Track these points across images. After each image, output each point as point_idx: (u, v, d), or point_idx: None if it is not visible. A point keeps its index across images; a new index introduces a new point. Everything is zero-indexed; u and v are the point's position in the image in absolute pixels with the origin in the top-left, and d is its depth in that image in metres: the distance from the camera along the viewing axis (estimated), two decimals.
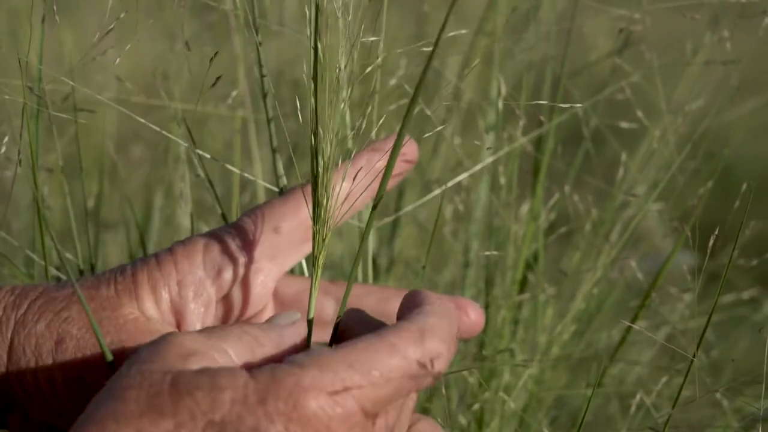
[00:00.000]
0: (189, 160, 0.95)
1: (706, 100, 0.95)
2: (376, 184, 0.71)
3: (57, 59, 1.41)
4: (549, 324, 0.93)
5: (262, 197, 0.97)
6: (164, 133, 0.76)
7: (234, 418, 0.57)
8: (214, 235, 0.71)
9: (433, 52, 0.62)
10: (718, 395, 0.92)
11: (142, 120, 0.75)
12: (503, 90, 0.89)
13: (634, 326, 0.81)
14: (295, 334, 0.64)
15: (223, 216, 0.84)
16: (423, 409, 0.93)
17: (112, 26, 0.71)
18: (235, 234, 0.71)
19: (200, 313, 0.69)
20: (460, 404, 0.91)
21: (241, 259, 0.70)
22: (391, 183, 0.72)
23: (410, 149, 0.74)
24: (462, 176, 0.86)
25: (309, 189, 0.70)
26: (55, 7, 0.75)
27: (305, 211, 0.71)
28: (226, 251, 0.70)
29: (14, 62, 1.36)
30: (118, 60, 0.77)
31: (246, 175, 0.82)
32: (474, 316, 0.71)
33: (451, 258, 1.02)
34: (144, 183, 1.28)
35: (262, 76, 0.78)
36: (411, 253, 1.04)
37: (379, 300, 0.73)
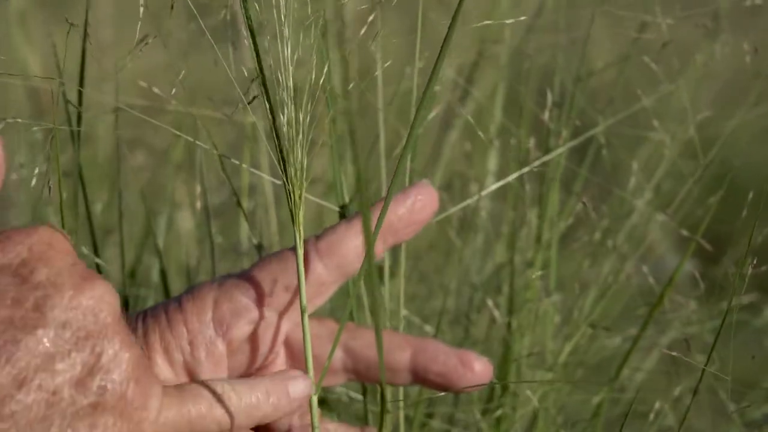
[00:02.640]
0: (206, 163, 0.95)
1: (712, 107, 0.96)
2: (390, 238, 0.71)
3: (54, 63, 1.41)
4: (557, 331, 0.93)
5: (270, 199, 0.97)
6: (184, 136, 0.75)
7: None
8: (222, 290, 0.70)
9: (437, 64, 0.62)
10: (722, 399, 0.93)
11: (158, 123, 0.75)
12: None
13: (644, 332, 0.81)
14: None
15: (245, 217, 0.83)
16: (449, 416, 0.93)
17: (147, 40, 0.71)
18: (245, 289, 0.70)
19: (212, 370, 0.69)
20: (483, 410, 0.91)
21: (252, 315, 0.70)
22: (407, 234, 0.72)
23: (428, 196, 0.72)
24: (503, 180, 0.86)
25: (322, 242, 0.70)
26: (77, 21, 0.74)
27: (319, 268, 0.70)
28: (237, 308, 0.70)
29: (13, 64, 1.36)
30: (128, 59, 0.77)
31: (256, 171, 0.82)
32: (479, 368, 0.71)
33: (460, 264, 1.02)
34: (146, 189, 1.28)
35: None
36: (418, 258, 1.04)
37: (387, 349, 0.72)
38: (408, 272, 1.02)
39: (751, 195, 0.84)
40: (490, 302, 0.94)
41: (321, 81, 0.65)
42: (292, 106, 0.64)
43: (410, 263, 1.03)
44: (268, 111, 0.65)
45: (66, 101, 0.78)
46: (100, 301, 0.59)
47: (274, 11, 0.66)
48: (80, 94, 0.79)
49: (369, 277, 0.55)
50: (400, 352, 0.71)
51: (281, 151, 0.65)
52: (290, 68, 0.64)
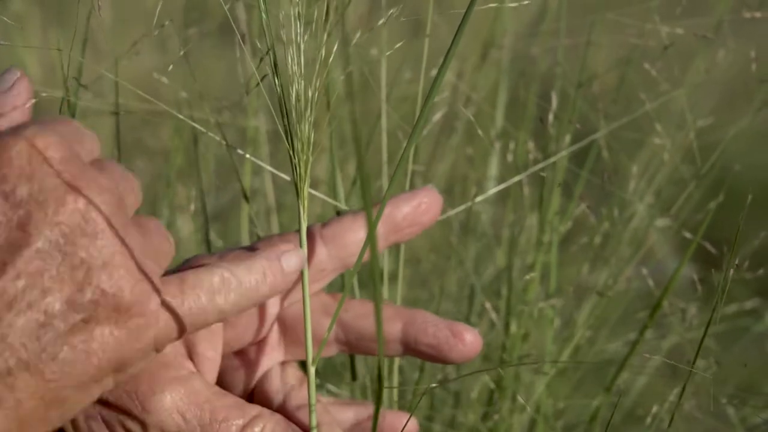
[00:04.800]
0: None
1: (712, 112, 0.96)
2: (392, 236, 0.71)
3: (52, 66, 1.41)
4: (557, 334, 0.93)
5: (272, 204, 0.97)
6: (200, 128, 0.75)
7: None
8: (224, 262, 0.70)
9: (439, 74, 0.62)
10: (723, 406, 0.93)
11: (181, 116, 0.75)
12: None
13: (642, 338, 0.81)
14: (16, 97, 0.62)
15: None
16: (450, 419, 0.93)
17: (146, 43, 0.71)
18: None
19: (208, 340, 0.69)
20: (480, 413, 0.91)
21: None
22: (409, 234, 0.72)
23: (433, 200, 0.73)
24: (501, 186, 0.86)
25: (327, 229, 0.71)
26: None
27: (322, 254, 0.71)
28: None
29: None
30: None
31: (263, 164, 0.82)
32: (470, 339, 0.71)
33: (459, 266, 1.02)
34: (145, 193, 1.28)
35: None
36: (418, 262, 1.04)
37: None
38: (408, 275, 1.03)
39: (749, 199, 0.84)
40: (489, 306, 0.94)
41: (330, 59, 0.65)
42: (302, 81, 0.65)
43: (410, 266, 1.03)
44: (278, 86, 0.65)
45: (65, 104, 0.78)
46: (87, 208, 0.58)
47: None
48: (79, 97, 0.79)
49: (373, 272, 0.55)
50: (392, 324, 0.71)
51: (289, 124, 0.65)
52: (301, 44, 0.64)
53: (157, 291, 0.60)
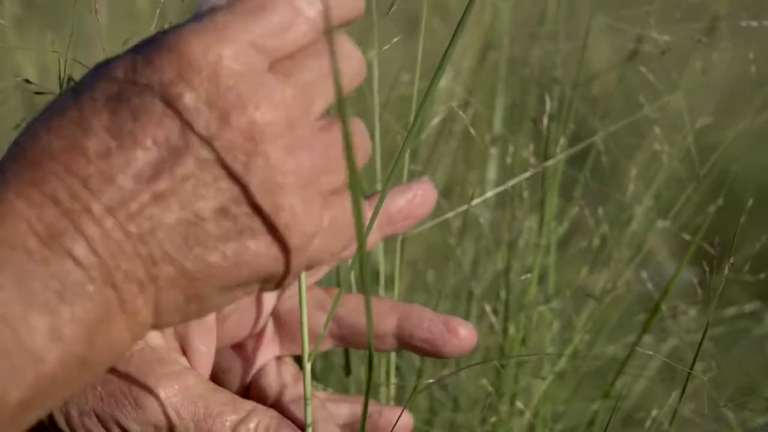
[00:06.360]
0: None
1: (711, 114, 0.96)
2: (386, 228, 0.71)
3: (47, 67, 1.41)
4: (556, 337, 0.93)
5: None
6: None
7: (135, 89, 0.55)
8: None
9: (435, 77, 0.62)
10: (722, 409, 0.92)
11: None
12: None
13: (640, 341, 0.81)
14: None
15: None
16: (449, 422, 0.93)
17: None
18: None
19: (202, 336, 0.69)
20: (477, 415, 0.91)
21: None
22: (402, 227, 0.72)
23: (428, 192, 0.72)
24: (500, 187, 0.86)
25: None
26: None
27: None
28: None
29: (8, 69, 1.35)
30: None
31: None
32: (464, 333, 0.71)
33: (458, 271, 1.01)
34: None
35: None
36: (416, 262, 1.04)
37: (374, 315, 0.72)
38: (406, 278, 1.02)
39: (750, 202, 0.83)
40: (488, 308, 0.93)
41: None
42: None
43: (408, 269, 1.03)
44: None
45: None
46: (250, 126, 0.55)
47: None
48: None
49: (362, 269, 0.55)
50: (387, 318, 0.71)
51: None
52: None
53: (316, 216, 0.58)
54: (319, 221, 0.58)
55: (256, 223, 0.56)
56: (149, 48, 0.56)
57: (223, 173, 0.56)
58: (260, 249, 0.57)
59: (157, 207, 0.55)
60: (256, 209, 0.56)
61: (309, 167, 0.57)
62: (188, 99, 0.55)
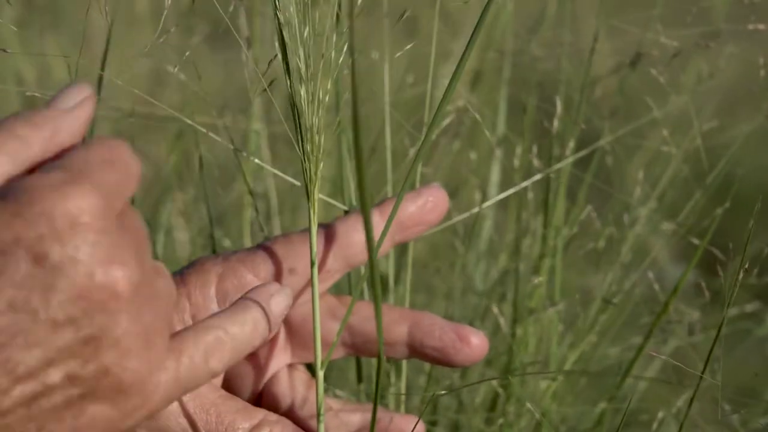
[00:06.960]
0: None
1: (717, 117, 0.96)
2: (397, 235, 0.71)
3: (47, 69, 1.41)
4: (561, 339, 0.93)
5: (274, 207, 0.96)
6: (211, 135, 0.75)
7: None
8: (227, 265, 0.69)
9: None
10: (725, 410, 0.93)
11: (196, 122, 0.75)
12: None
13: (647, 343, 0.81)
14: (74, 120, 0.58)
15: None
16: (454, 423, 0.93)
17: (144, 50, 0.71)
18: (251, 266, 0.69)
19: None
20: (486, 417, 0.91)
21: None
22: (415, 233, 0.72)
23: (439, 198, 0.72)
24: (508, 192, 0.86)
25: (333, 229, 0.70)
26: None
27: (328, 253, 0.70)
28: (240, 286, 0.69)
29: (8, 72, 1.35)
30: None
31: (274, 171, 0.81)
32: (476, 342, 0.71)
33: (464, 272, 1.02)
34: (144, 198, 1.28)
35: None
36: (423, 266, 1.04)
37: (385, 323, 0.72)
38: (412, 280, 1.02)
39: (758, 206, 0.84)
40: (494, 310, 0.94)
41: (341, 59, 0.65)
42: (311, 83, 0.64)
43: (415, 271, 1.03)
44: (289, 86, 0.65)
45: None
46: (107, 283, 0.54)
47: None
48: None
49: (371, 272, 0.55)
50: (398, 327, 0.71)
51: (300, 127, 0.65)
52: (310, 45, 0.64)
53: (160, 369, 0.58)
54: (158, 378, 0.57)
55: (99, 387, 0.55)
56: (12, 199, 0.53)
57: (80, 334, 0.54)
58: (98, 411, 0.56)
59: (7, 378, 0.53)
60: (104, 372, 0.55)
61: (153, 323, 0.56)
62: (52, 256, 0.53)
